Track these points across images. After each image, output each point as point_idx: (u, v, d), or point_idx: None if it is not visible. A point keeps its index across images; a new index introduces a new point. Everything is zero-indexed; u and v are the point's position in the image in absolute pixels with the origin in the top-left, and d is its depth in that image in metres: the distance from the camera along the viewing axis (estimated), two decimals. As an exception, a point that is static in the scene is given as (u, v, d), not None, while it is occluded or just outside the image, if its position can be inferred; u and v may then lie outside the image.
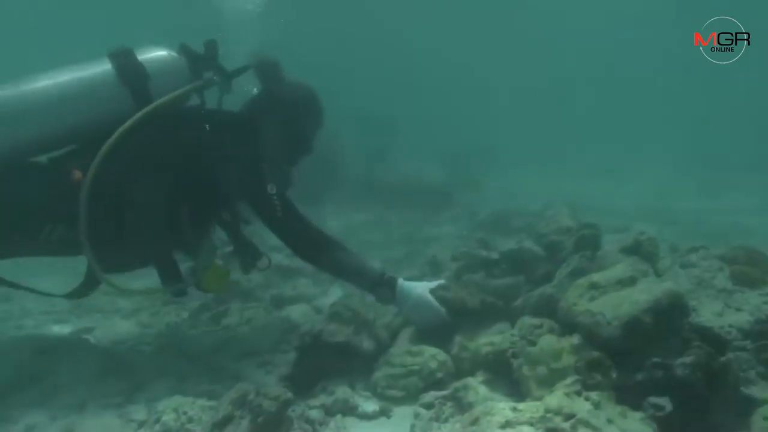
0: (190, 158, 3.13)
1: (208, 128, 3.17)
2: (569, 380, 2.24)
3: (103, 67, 3.04)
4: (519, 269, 3.62)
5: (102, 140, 2.90)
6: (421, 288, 3.12)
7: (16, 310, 4.38)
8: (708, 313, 2.55)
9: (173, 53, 3.19)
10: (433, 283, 3.18)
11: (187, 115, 3.23)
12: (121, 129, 2.91)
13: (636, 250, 3.18)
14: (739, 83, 18.81)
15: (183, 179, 3.12)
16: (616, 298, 2.50)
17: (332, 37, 19.92)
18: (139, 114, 2.96)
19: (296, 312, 4.15)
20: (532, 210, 7.05)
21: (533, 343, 2.57)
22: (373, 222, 7.58)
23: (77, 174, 2.92)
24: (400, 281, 3.14)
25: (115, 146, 2.90)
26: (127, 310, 4.37)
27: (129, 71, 3.03)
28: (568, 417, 2.03)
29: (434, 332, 3.04)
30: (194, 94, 3.27)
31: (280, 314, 4.13)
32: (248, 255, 3.44)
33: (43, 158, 3.11)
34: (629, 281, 2.61)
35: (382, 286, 3.12)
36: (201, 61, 3.22)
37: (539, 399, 2.27)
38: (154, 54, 3.13)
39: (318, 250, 3.22)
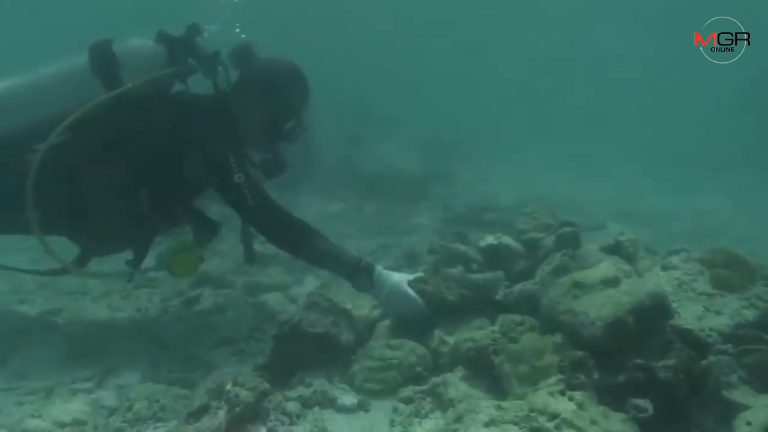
0: (151, 143, 3.14)
1: (173, 113, 3.18)
2: (553, 379, 2.23)
3: (81, 59, 3.10)
4: (496, 265, 3.61)
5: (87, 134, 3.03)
6: (399, 277, 3.08)
7: (-21, 289, 4.26)
8: (689, 315, 2.55)
9: (148, 42, 3.20)
10: (411, 276, 3.14)
11: (156, 101, 3.19)
12: (74, 115, 2.94)
13: (616, 250, 3.19)
14: (716, 82, 19.08)
15: (142, 164, 3.13)
16: (599, 298, 2.49)
17: (311, 25, 19.75)
18: (92, 102, 2.97)
19: (271, 299, 4.10)
20: (507, 204, 7.08)
21: (515, 341, 2.55)
22: (349, 212, 7.54)
23: (29, 157, 2.93)
24: (378, 269, 3.11)
25: (74, 130, 2.97)
26: (96, 292, 4.26)
27: (101, 62, 3.07)
28: (553, 417, 2.02)
29: (410, 323, 3.01)
30: (178, 81, 3.30)
31: (254, 302, 4.07)
32: (203, 229, 3.41)
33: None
34: (613, 281, 2.61)
35: (360, 273, 3.08)
36: (180, 47, 3.20)
37: (521, 397, 2.26)
38: (129, 43, 3.16)
39: (293, 238, 3.18)
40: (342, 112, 10.78)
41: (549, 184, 9.84)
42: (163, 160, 3.14)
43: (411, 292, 3.00)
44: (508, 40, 28.20)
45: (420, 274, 3.22)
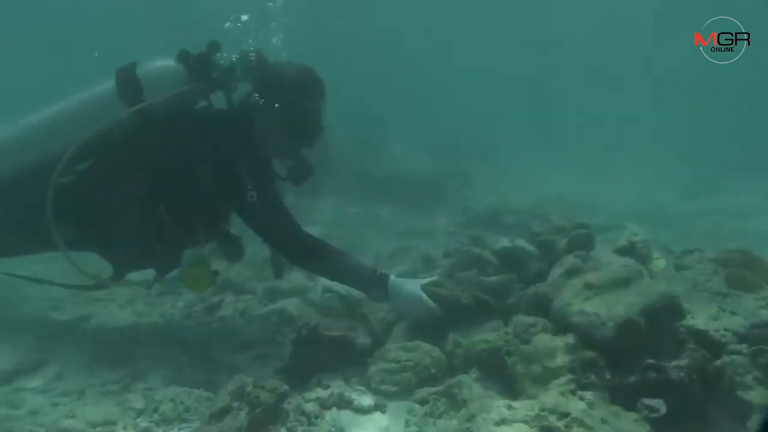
0: (168, 159, 3.22)
1: (188, 129, 3.26)
2: (563, 379, 2.28)
3: (108, 85, 3.24)
4: (511, 267, 3.65)
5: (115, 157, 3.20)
6: (412, 284, 3.14)
7: (15, 296, 4.39)
8: (703, 316, 2.58)
9: (169, 62, 3.28)
10: (425, 280, 3.21)
11: (171, 117, 3.26)
12: (86, 136, 3.08)
13: (629, 251, 3.23)
14: (738, 82, 18.86)
15: (160, 180, 3.23)
16: (610, 299, 2.54)
17: (326, 27, 19.88)
18: (106, 123, 3.11)
19: (290, 305, 4.17)
20: (525, 207, 7.09)
21: (527, 342, 2.61)
22: (366, 216, 7.60)
23: (62, 180, 3.09)
24: (392, 278, 3.17)
25: (91, 150, 3.14)
26: (122, 300, 4.38)
27: (125, 86, 3.18)
28: (563, 416, 2.07)
29: (426, 328, 3.07)
30: (200, 97, 3.39)
31: (274, 307, 4.15)
32: (228, 245, 3.52)
33: None
34: (624, 282, 2.65)
35: (375, 285, 3.15)
36: (200, 65, 3.27)
37: (533, 397, 2.31)
38: (150, 65, 3.26)
39: (309, 256, 3.24)
40: (355, 116, 10.85)
41: (569, 185, 9.84)
42: (180, 176, 3.22)
43: (425, 298, 3.06)
44: (524, 41, 28.10)
45: (434, 278, 3.28)
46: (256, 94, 3.32)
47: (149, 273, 3.51)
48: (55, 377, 3.07)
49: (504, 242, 3.82)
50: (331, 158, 9.01)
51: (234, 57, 3.35)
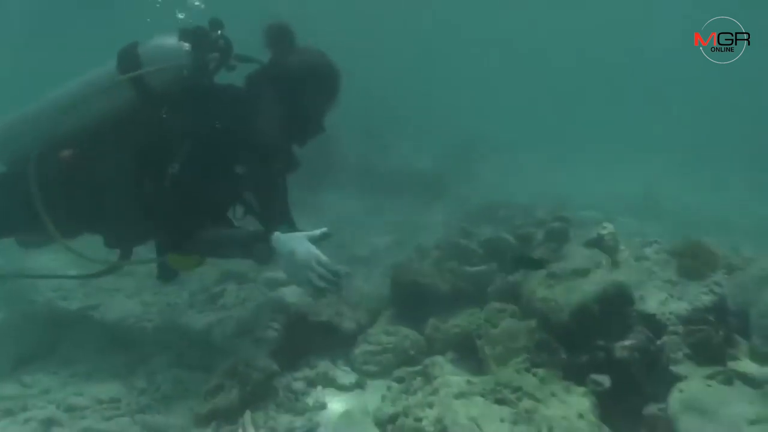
0: (156, 131, 3.13)
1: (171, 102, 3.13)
2: (520, 358, 2.53)
3: (110, 64, 3.18)
4: (494, 257, 3.88)
5: (112, 131, 3.14)
6: (299, 238, 2.71)
7: (26, 288, 4.67)
8: (653, 301, 2.83)
9: (170, 39, 3.17)
10: (315, 232, 2.74)
11: (168, 90, 3.15)
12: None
13: (598, 243, 3.46)
14: (743, 80, 18.86)
15: (147, 152, 3.12)
16: (569, 288, 2.79)
17: (333, 17, 20.03)
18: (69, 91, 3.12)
19: (288, 293, 4.42)
20: (522, 201, 7.30)
21: (495, 326, 2.86)
22: (368, 209, 7.83)
23: (64, 155, 3.12)
24: (276, 233, 2.74)
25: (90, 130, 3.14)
26: (130, 289, 4.65)
27: (126, 64, 3.12)
28: (516, 390, 2.33)
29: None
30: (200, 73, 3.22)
31: (273, 295, 4.39)
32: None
33: None
34: (583, 272, 2.90)
35: (257, 244, 2.78)
36: (201, 42, 3.16)
37: (496, 374, 2.57)
38: (151, 43, 3.18)
39: (180, 244, 3.00)
40: (364, 111, 11.04)
41: (568, 179, 10.01)
42: (162, 149, 3.10)
43: (313, 248, 2.66)
44: (531, 37, 28.16)
45: (324, 229, 2.78)
46: (263, 75, 3.15)
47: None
48: (64, 361, 3.30)
49: (488, 234, 4.05)
50: (335, 152, 9.27)
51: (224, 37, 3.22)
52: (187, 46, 3.12)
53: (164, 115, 3.11)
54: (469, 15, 27.20)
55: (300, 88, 3.06)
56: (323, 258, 2.61)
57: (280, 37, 3.10)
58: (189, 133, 3.02)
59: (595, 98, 24.98)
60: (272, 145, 3.15)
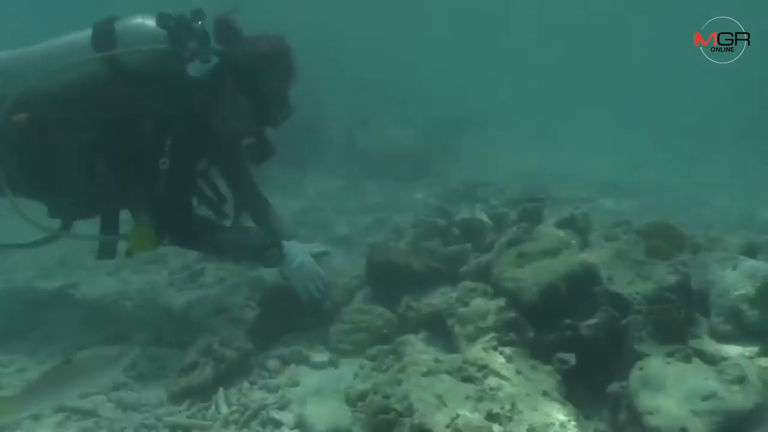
0: (117, 112, 3.15)
1: (139, 86, 3.13)
2: (488, 337, 2.59)
3: (85, 34, 3.18)
4: (470, 237, 3.93)
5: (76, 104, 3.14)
6: (305, 252, 3.28)
7: (6, 265, 4.69)
8: (621, 281, 2.89)
9: (149, 21, 3.16)
10: (317, 250, 3.46)
11: (139, 74, 3.16)
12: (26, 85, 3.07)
13: (570, 223, 3.52)
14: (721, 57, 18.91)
15: (105, 130, 3.17)
16: (538, 267, 2.84)
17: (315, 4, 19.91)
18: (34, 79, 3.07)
19: (267, 273, 4.46)
20: (501, 179, 7.33)
21: (466, 305, 2.91)
22: (349, 189, 7.86)
23: (18, 118, 3.09)
24: (286, 244, 3.23)
25: (51, 94, 3.11)
26: (110, 267, 4.66)
27: (101, 38, 3.13)
28: (482, 368, 2.37)
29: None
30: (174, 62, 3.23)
31: (252, 275, 4.44)
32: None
33: None
34: (553, 252, 2.95)
35: (269, 251, 3.17)
36: (180, 31, 3.14)
37: (464, 353, 2.62)
38: (129, 21, 3.19)
39: (192, 239, 3.23)
40: (348, 90, 11.03)
41: (551, 159, 10.06)
42: (123, 131, 3.15)
43: (317, 268, 3.25)
44: (511, 13, 28.10)
45: (324, 248, 3.62)
46: (222, 66, 3.23)
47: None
48: (41, 339, 3.33)
49: (464, 214, 4.09)
50: (322, 132, 9.28)
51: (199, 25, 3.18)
52: (162, 31, 3.12)
53: (135, 96, 3.12)
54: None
55: (254, 73, 3.15)
56: (323, 273, 3.25)
57: (225, 30, 3.17)
58: (164, 121, 3.07)
59: (581, 76, 24.99)
60: (241, 132, 3.31)
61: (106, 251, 3.48)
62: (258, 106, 3.22)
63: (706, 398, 2.05)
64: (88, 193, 3.32)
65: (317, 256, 3.40)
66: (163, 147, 2.98)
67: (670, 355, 2.32)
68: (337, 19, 20.26)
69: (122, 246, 3.40)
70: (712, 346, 2.40)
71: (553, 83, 24.14)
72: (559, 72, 26.18)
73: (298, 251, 3.25)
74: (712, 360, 2.28)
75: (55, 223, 3.53)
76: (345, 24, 20.55)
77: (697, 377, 2.15)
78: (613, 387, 2.41)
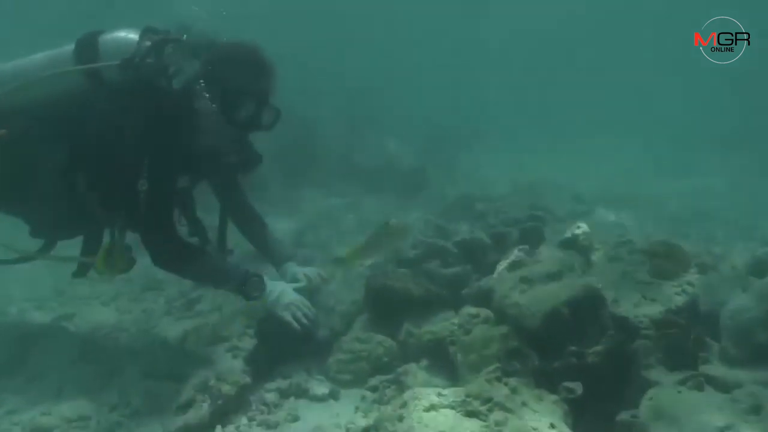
0: (95, 128, 3.08)
1: (118, 103, 3.04)
2: (491, 367, 2.50)
3: (68, 49, 3.14)
4: (470, 258, 3.86)
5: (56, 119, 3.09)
6: (288, 290, 3.32)
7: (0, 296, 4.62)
8: (627, 303, 2.82)
9: (133, 35, 3.10)
10: (294, 285, 3.42)
11: (120, 88, 3.07)
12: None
13: (572, 244, 3.44)
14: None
15: (81, 146, 3.12)
16: (540, 292, 2.76)
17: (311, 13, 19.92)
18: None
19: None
20: (501, 193, 7.29)
21: (468, 332, 2.84)
22: (348, 206, 7.78)
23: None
24: (267, 281, 3.28)
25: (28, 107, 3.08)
26: (106, 296, 4.59)
27: (82, 51, 3.09)
28: (486, 401, 2.29)
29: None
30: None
31: (250, 302, 4.35)
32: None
33: None
34: (556, 275, 2.88)
35: (250, 282, 3.22)
36: (164, 44, 3.06)
37: (468, 383, 2.54)
38: (112, 35, 3.13)
39: (175, 261, 3.16)
40: (343, 104, 10.99)
41: (548, 170, 9.99)
42: (101, 148, 3.07)
43: (297, 295, 3.29)
44: (507, 24, 28.19)
45: (302, 284, 3.48)
46: (196, 77, 3.10)
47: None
48: (33, 376, 3.25)
49: (464, 234, 4.02)
50: (318, 146, 9.22)
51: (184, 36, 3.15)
52: (148, 44, 3.04)
53: (115, 112, 3.04)
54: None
55: (225, 76, 3.04)
56: (306, 302, 3.25)
57: (202, 42, 3.13)
58: (146, 139, 2.99)
59: (572, 85, 25.01)
60: (222, 141, 3.15)
61: (83, 271, 3.43)
62: (234, 110, 3.09)
63: (721, 430, 1.97)
64: (68, 211, 3.26)
65: (301, 290, 3.39)
66: (142, 165, 2.92)
67: (681, 383, 2.24)
68: (331, 31, 20.25)
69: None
70: (723, 371, 2.32)
71: (546, 90, 24.15)
72: (551, 78, 26.21)
73: (275, 284, 3.29)
74: (724, 387, 2.20)
75: (35, 244, 3.47)
76: (339, 36, 20.55)
77: (711, 408, 2.08)
78: (623, 416, 2.33)
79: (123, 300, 4.56)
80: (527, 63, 28.30)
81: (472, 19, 27.87)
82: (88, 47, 3.09)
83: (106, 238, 3.33)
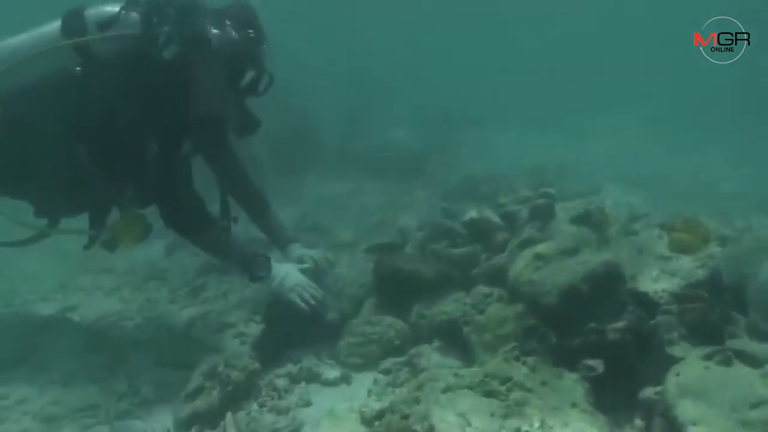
0: (95, 101, 3.05)
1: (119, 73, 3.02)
2: (508, 347, 2.43)
3: (54, 25, 3.10)
4: (478, 238, 3.78)
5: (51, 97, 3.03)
6: (294, 271, 3.23)
7: (4, 289, 4.55)
8: (645, 279, 2.74)
9: (117, 8, 3.06)
10: (302, 266, 3.34)
11: (113, 60, 3.04)
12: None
13: (586, 219, 3.35)
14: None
15: (84, 120, 3.08)
16: (557, 269, 2.67)
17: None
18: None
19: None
20: (504, 174, 7.17)
21: (482, 312, 2.76)
22: (351, 192, 7.68)
23: None
24: (275, 263, 3.22)
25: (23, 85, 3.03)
26: (109, 287, 4.54)
27: (70, 27, 3.05)
28: (505, 381, 2.22)
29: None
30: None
31: (255, 287, 4.29)
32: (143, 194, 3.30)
33: None
34: (572, 251, 2.79)
35: (256, 262, 3.16)
36: (153, 14, 3.04)
37: (484, 364, 2.47)
38: (99, 8, 3.09)
39: (187, 224, 3.18)
40: (344, 91, 10.87)
41: (552, 150, 9.87)
42: (103, 120, 3.05)
43: (303, 276, 3.21)
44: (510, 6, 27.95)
45: (308, 265, 3.40)
46: (191, 44, 3.03)
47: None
48: (41, 367, 3.22)
49: (472, 214, 3.93)
50: (317, 133, 9.12)
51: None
52: (136, 15, 3.03)
53: (111, 84, 3.01)
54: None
55: (226, 43, 3.05)
56: (313, 284, 3.18)
57: (191, 10, 3.07)
58: (144, 108, 3.00)
59: (573, 67, 24.81)
60: (221, 105, 3.17)
61: (93, 244, 3.41)
62: (231, 74, 3.12)
63: (754, 406, 1.88)
64: (72, 187, 3.22)
65: (306, 271, 3.32)
66: (148, 133, 2.97)
67: (707, 358, 2.16)
68: (332, 18, 20.09)
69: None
70: (753, 346, 2.24)
71: (545, 69, 23.97)
72: (554, 62, 26.02)
73: (280, 267, 3.22)
74: (754, 362, 2.11)
75: (40, 222, 3.43)
76: (338, 23, 20.38)
77: (742, 383, 1.99)
78: (646, 393, 2.25)
79: (126, 290, 4.52)
80: (531, 49, 28.09)
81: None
82: (74, 22, 3.06)
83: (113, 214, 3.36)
